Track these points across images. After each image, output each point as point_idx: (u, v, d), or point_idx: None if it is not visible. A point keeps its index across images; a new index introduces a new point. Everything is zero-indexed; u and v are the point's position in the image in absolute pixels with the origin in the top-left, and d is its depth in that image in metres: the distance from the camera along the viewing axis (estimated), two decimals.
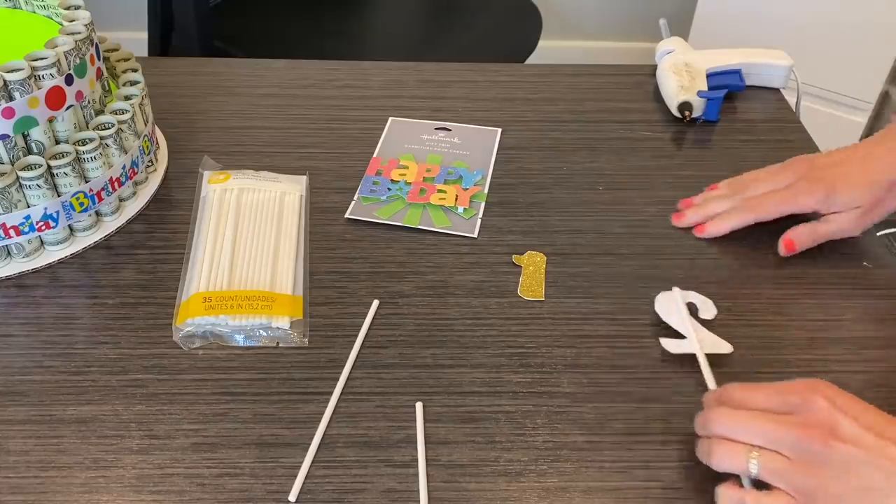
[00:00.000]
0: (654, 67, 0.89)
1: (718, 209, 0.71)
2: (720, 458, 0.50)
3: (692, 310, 0.63)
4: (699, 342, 0.60)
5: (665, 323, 0.62)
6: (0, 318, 0.62)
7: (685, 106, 0.83)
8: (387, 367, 0.59)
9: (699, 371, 0.59)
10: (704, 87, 0.84)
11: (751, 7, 1.74)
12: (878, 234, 0.72)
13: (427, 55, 1.33)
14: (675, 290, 0.64)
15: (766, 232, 0.71)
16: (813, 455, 0.48)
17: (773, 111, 0.87)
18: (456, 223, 0.71)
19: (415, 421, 0.56)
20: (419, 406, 0.56)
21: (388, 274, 0.67)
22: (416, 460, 0.53)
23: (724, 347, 0.60)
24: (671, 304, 0.63)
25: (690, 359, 0.60)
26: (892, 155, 0.67)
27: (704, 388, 0.58)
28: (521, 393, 0.58)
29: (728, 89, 0.85)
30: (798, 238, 0.69)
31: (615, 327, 0.63)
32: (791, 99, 0.88)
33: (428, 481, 0.52)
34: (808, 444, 0.48)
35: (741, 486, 0.50)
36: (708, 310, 0.63)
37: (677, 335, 0.61)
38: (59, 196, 0.65)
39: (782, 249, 0.69)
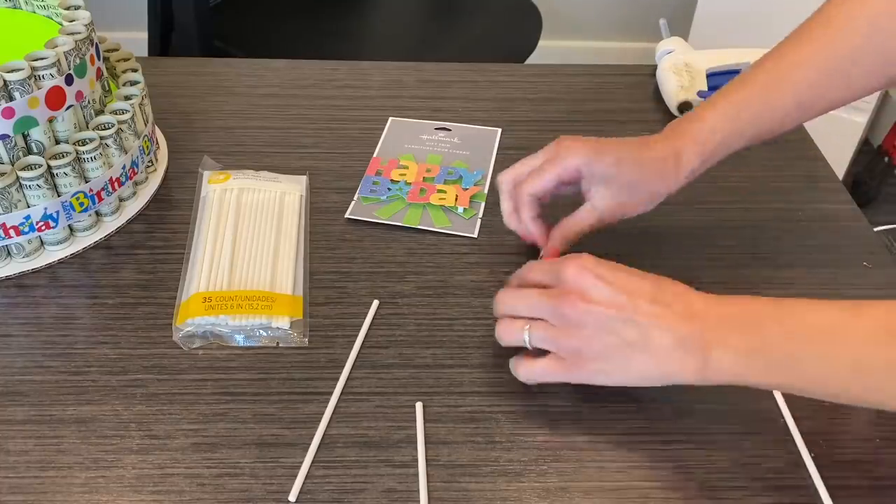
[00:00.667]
0: (654, 67, 0.89)
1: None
2: (501, 334, 0.56)
3: None
4: None
5: None
6: (0, 318, 0.62)
7: (685, 106, 0.83)
8: (387, 367, 0.59)
9: None
10: (704, 87, 0.84)
11: (751, 7, 1.74)
12: (875, 230, 0.72)
13: (427, 55, 1.33)
14: None
15: (766, 232, 0.71)
16: (569, 319, 0.52)
17: None
18: (456, 223, 0.71)
19: (415, 421, 0.56)
20: (419, 406, 0.56)
21: (388, 274, 0.67)
22: (416, 460, 0.53)
23: None
24: None
25: None
26: (658, 145, 0.63)
27: (703, 388, 0.58)
28: (521, 393, 0.58)
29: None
30: (552, 240, 0.65)
31: None
32: None
33: (428, 481, 0.52)
34: (562, 310, 0.52)
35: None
36: None
37: None
38: (59, 196, 0.65)
39: (544, 254, 0.65)
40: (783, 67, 0.63)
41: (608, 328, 0.51)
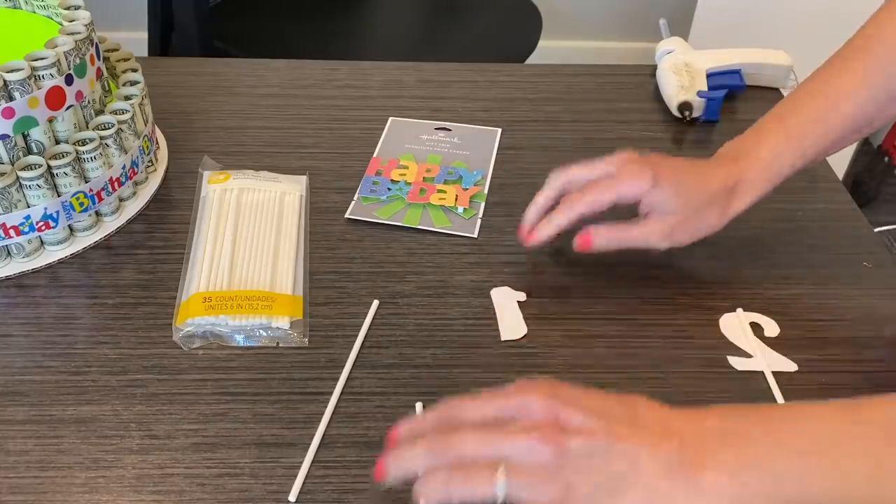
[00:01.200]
0: (654, 67, 0.89)
1: (551, 214, 0.65)
2: (464, 484, 0.44)
3: (756, 329, 0.63)
4: (766, 361, 0.60)
5: (731, 342, 0.62)
6: (0, 318, 0.62)
7: (685, 106, 0.83)
8: (387, 367, 0.59)
9: (698, 371, 0.59)
10: (704, 87, 0.84)
11: (751, 7, 1.74)
12: (875, 230, 0.72)
13: (427, 55, 1.33)
14: (739, 311, 0.64)
15: (766, 232, 0.71)
16: (550, 461, 0.44)
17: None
18: (456, 223, 0.71)
19: None
20: (419, 406, 0.56)
21: (388, 274, 0.67)
22: None
23: (789, 366, 0.60)
24: (735, 324, 0.63)
25: (688, 360, 0.60)
26: (720, 172, 0.63)
27: (704, 388, 0.58)
28: None
29: (728, 89, 0.85)
30: (597, 236, 0.63)
31: (615, 327, 0.63)
32: None
33: None
34: (542, 452, 0.44)
35: None
36: (771, 329, 0.63)
37: (744, 354, 0.61)
38: (59, 196, 0.65)
39: (576, 244, 0.64)
40: (834, 88, 0.63)
41: (594, 462, 0.44)
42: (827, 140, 0.63)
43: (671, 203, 0.62)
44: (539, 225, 0.65)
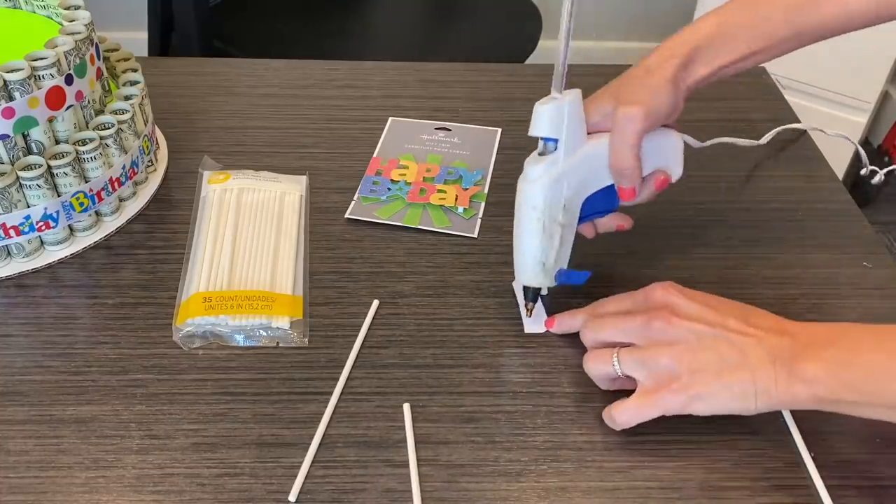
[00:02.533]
0: None
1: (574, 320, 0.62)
2: (591, 365, 0.55)
3: None
4: None
5: None
6: (0, 318, 0.62)
7: (533, 293, 0.73)
8: (387, 367, 0.59)
9: None
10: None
11: None
12: (868, 221, 0.72)
13: (427, 55, 1.33)
14: None
15: (766, 232, 0.71)
16: (660, 335, 0.52)
17: (772, 111, 0.87)
18: (456, 223, 0.71)
19: (415, 420, 0.56)
20: (406, 407, 0.56)
21: (388, 274, 0.67)
22: (417, 460, 0.53)
23: None
24: None
25: None
26: (662, 62, 0.60)
27: None
28: (521, 393, 0.58)
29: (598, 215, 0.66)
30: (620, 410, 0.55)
31: None
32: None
33: (422, 481, 0.52)
34: (651, 327, 0.52)
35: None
36: None
37: None
38: (59, 196, 0.65)
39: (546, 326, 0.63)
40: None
41: (702, 343, 0.50)
42: (758, 32, 0.59)
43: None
44: (563, 317, 0.61)
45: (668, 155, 0.63)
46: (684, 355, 0.51)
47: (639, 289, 0.57)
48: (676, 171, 0.64)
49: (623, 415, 0.53)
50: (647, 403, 0.52)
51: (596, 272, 0.67)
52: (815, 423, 0.56)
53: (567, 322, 0.61)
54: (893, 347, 0.48)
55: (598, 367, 0.55)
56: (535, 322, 0.63)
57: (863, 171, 0.82)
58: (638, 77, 0.60)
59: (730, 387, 0.50)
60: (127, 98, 0.70)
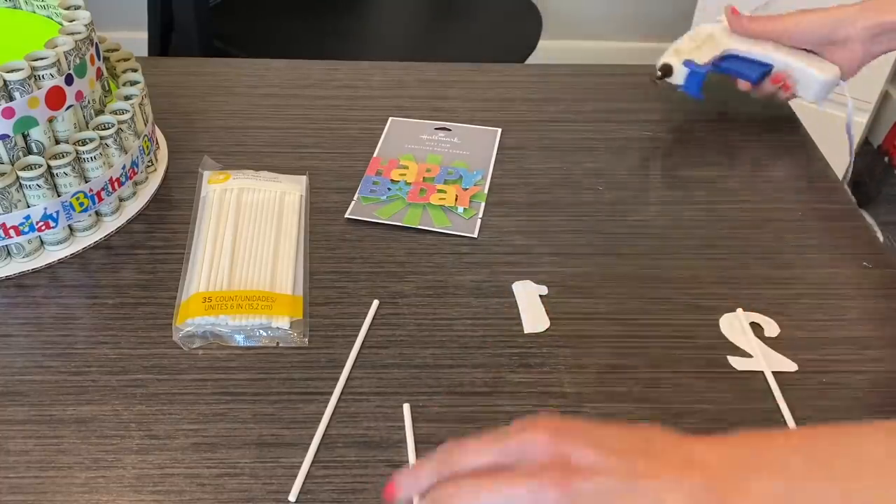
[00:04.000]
0: (654, 67, 0.89)
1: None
2: None
3: (756, 329, 0.63)
4: (766, 361, 0.60)
5: (731, 342, 0.62)
6: (0, 318, 0.62)
7: (664, 68, 0.80)
8: (387, 367, 0.59)
9: (698, 371, 0.59)
10: (699, 61, 0.79)
11: (750, 7, 1.74)
12: (865, 215, 0.72)
13: (427, 55, 1.33)
14: (739, 311, 0.64)
15: (766, 232, 0.71)
16: None
17: (773, 110, 0.87)
18: (456, 223, 0.71)
19: (415, 420, 0.56)
20: (406, 407, 0.56)
21: (388, 274, 0.67)
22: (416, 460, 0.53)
23: (789, 365, 0.60)
24: (735, 324, 0.63)
25: (688, 360, 0.60)
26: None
27: (704, 388, 0.58)
28: (521, 393, 0.58)
29: (732, 74, 0.80)
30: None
31: (615, 327, 0.63)
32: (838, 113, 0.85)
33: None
34: (545, 495, 0.39)
35: None
36: (771, 329, 0.63)
37: (744, 354, 0.61)
38: (59, 196, 0.65)
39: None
40: None
41: (612, 502, 0.39)
42: None
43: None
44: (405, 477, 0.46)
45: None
46: None
47: (499, 428, 0.43)
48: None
49: None
50: None
51: (593, 272, 0.67)
52: (815, 423, 0.56)
53: (412, 484, 0.44)
54: (822, 462, 0.40)
55: None
56: (535, 322, 0.63)
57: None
58: None
59: None
60: (127, 98, 0.70)
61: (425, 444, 0.54)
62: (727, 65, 0.81)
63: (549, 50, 1.61)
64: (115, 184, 0.68)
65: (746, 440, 0.41)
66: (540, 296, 0.64)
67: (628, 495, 0.39)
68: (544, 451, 0.40)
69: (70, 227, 0.67)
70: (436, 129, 0.82)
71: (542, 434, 0.41)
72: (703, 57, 0.81)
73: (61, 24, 0.67)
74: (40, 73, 0.62)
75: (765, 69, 0.80)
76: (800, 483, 0.39)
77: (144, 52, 1.31)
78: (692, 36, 0.83)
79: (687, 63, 0.80)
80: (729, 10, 0.81)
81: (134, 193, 0.72)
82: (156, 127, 0.78)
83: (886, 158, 1.82)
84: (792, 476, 0.39)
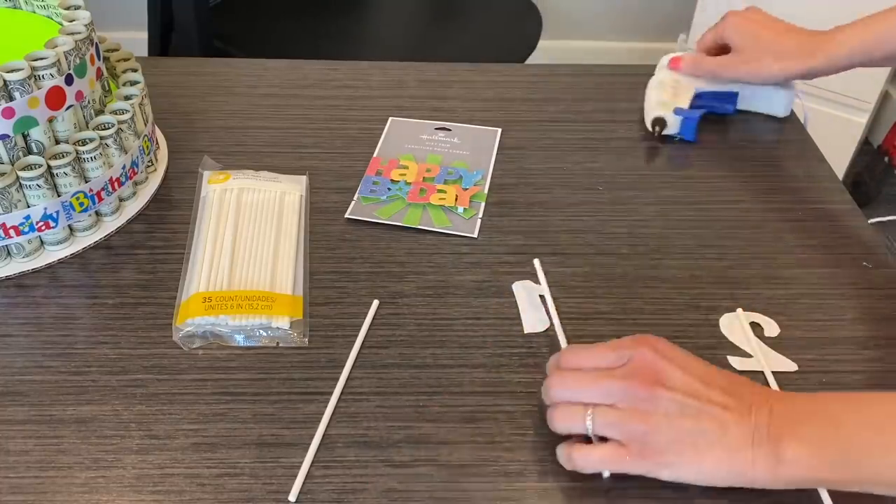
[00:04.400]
0: (654, 67, 0.89)
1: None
2: (559, 421, 0.52)
3: (756, 329, 0.63)
4: (765, 360, 0.60)
5: (731, 342, 0.62)
6: (0, 318, 0.62)
7: (657, 121, 0.80)
8: (387, 367, 0.59)
9: None
10: (685, 105, 0.81)
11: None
12: (868, 221, 0.72)
13: (427, 55, 1.33)
14: (739, 311, 0.64)
15: (766, 232, 0.71)
16: (640, 402, 0.49)
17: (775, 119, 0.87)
18: (456, 223, 0.71)
19: (415, 420, 0.56)
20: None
21: (388, 274, 0.67)
22: (417, 460, 0.53)
23: (789, 365, 0.60)
24: (735, 324, 0.63)
25: None
26: (797, 40, 0.81)
27: None
28: (521, 393, 0.58)
29: (711, 111, 0.82)
30: (684, 58, 0.82)
31: (615, 327, 0.63)
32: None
33: (422, 481, 0.52)
34: (634, 392, 0.49)
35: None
36: (771, 329, 0.63)
37: (744, 354, 0.61)
38: (59, 196, 0.65)
39: (670, 65, 0.84)
40: None
41: (684, 413, 0.48)
42: None
43: (744, 41, 0.81)
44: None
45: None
46: (662, 425, 0.49)
47: (622, 337, 0.53)
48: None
49: (584, 461, 0.51)
50: (613, 460, 0.50)
51: (594, 272, 0.67)
52: None
53: (553, 365, 0.55)
54: (872, 420, 0.47)
55: (568, 425, 0.51)
56: (535, 322, 0.63)
57: None
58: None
59: (700, 463, 0.48)
60: (127, 98, 0.70)
61: (425, 444, 0.54)
62: (701, 103, 0.83)
63: (549, 50, 1.61)
64: (115, 184, 0.68)
65: (806, 396, 0.50)
66: (540, 296, 0.64)
67: (700, 415, 0.48)
68: (645, 361, 0.50)
69: (70, 227, 0.67)
70: (436, 129, 0.82)
71: (648, 348, 0.50)
72: (684, 101, 0.82)
73: (61, 24, 0.67)
74: (40, 73, 0.62)
75: (733, 96, 0.84)
76: (840, 431, 0.47)
77: (144, 52, 1.31)
78: (660, 85, 0.83)
79: (678, 111, 0.80)
80: (684, 60, 0.84)
81: (134, 193, 0.72)
82: (156, 127, 0.78)
83: (886, 158, 1.82)
84: (835, 425, 0.47)
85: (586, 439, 0.52)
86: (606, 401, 0.50)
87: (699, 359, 0.51)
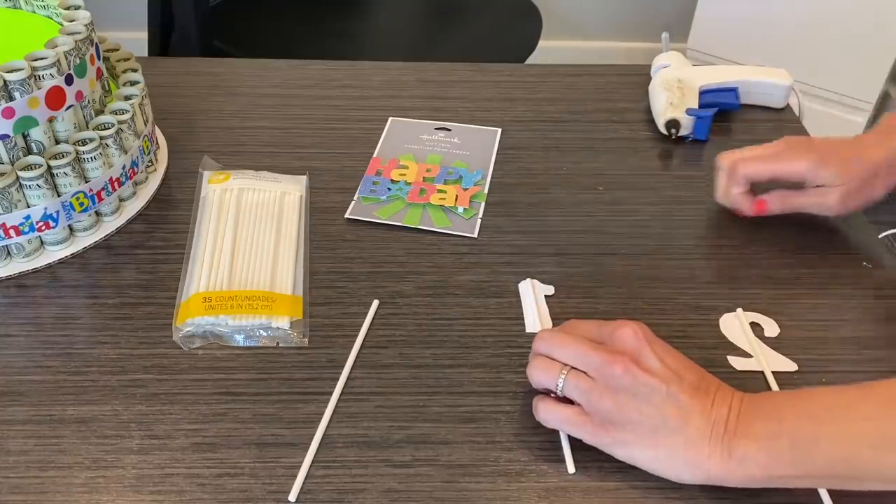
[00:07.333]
0: (651, 67, 0.89)
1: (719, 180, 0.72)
2: (536, 373, 0.54)
3: (756, 329, 0.63)
4: (765, 360, 0.60)
5: (731, 342, 0.62)
6: (0, 318, 0.62)
7: (672, 123, 0.81)
8: (387, 367, 0.59)
9: None
10: (695, 105, 0.82)
11: (750, 7, 1.74)
12: (879, 235, 0.72)
13: (427, 55, 1.33)
14: (739, 311, 0.64)
15: (765, 232, 0.71)
16: (613, 379, 0.50)
17: (773, 110, 0.87)
18: (456, 223, 0.71)
19: (415, 420, 0.56)
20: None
21: (388, 274, 0.67)
22: (417, 460, 0.53)
23: (789, 365, 0.60)
24: (735, 324, 0.63)
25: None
26: (882, 145, 0.67)
27: None
28: (521, 393, 0.58)
29: (719, 108, 0.83)
30: (770, 200, 0.70)
31: None
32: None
33: (421, 481, 0.52)
34: (609, 369, 0.51)
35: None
36: (771, 329, 0.63)
37: (744, 354, 0.61)
38: (59, 196, 0.65)
39: (752, 210, 0.70)
40: None
41: (650, 400, 0.50)
42: None
43: (839, 178, 0.66)
44: (727, 201, 0.71)
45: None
46: (627, 405, 0.50)
47: (612, 319, 0.55)
48: None
49: (547, 415, 0.54)
50: (573, 423, 0.53)
51: (595, 270, 0.67)
52: None
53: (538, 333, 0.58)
54: (811, 411, 0.48)
55: (541, 378, 0.54)
56: (535, 322, 0.63)
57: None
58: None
59: (656, 448, 0.50)
60: (127, 98, 0.70)
61: (425, 444, 0.54)
62: (706, 99, 0.84)
63: (549, 50, 1.61)
64: (115, 184, 0.68)
65: (767, 395, 0.52)
66: (546, 296, 0.64)
67: (667, 400, 0.50)
68: (626, 342, 0.52)
69: (70, 227, 0.67)
70: (436, 129, 0.82)
71: (630, 330, 0.52)
72: (692, 101, 0.82)
73: (61, 24, 0.67)
74: (40, 73, 0.62)
75: (734, 90, 0.85)
76: (784, 425, 0.48)
77: (144, 52, 1.31)
78: (666, 86, 0.83)
79: (690, 112, 0.81)
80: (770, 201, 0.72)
81: (134, 193, 0.72)
82: (156, 127, 0.78)
83: None
84: (779, 419, 0.49)
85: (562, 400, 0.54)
86: (581, 366, 0.52)
87: (677, 351, 0.53)
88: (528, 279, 0.66)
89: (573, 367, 0.52)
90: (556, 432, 0.55)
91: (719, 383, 0.52)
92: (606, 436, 0.51)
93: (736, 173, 0.69)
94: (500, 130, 0.82)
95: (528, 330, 0.62)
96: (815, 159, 0.66)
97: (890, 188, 0.67)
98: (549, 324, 0.63)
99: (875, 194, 0.67)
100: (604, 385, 0.51)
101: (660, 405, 0.50)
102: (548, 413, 0.53)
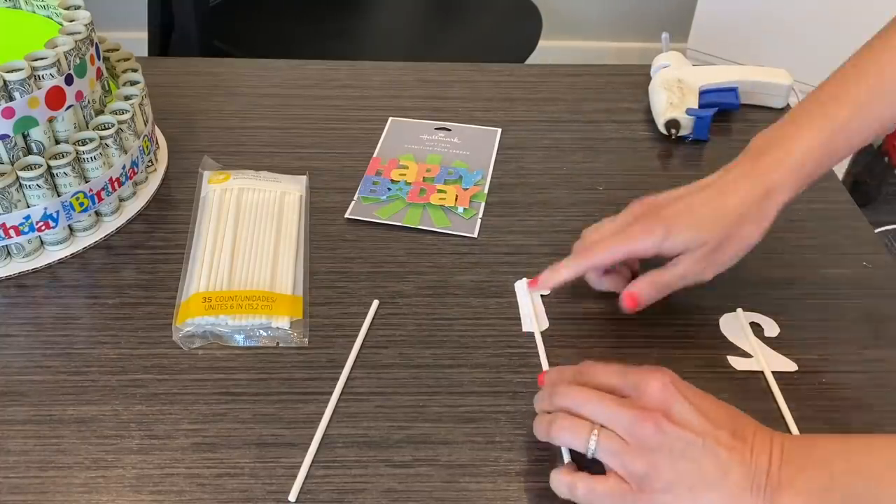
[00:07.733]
0: (650, 67, 0.89)
1: (557, 264, 0.62)
2: (562, 434, 0.50)
3: (756, 329, 0.63)
4: (765, 360, 0.60)
5: (731, 342, 0.62)
6: (0, 318, 0.62)
7: (672, 123, 0.80)
8: (387, 367, 0.59)
9: (698, 371, 0.59)
10: (695, 105, 0.81)
11: (750, 7, 1.74)
12: (876, 230, 0.72)
13: (427, 55, 1.33)
14: (739, 311, 0.64)
15: (766, 232, 0.71)
16: (646, 439, 0.47)
17: (773, 110, 0.87)
18: (456, 223, 0.71)
19: (415, 420, 0.56)
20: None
21: (388, 274, 0.67)
22: (417, 460, 0.53)
23: (789, 365, 0.60)
24: (735, 324, 0.63)
25: (688, 360, 0.60)
26: (747, 179, 0.59)
27: (704, 388, 0.58)
28: (521, 393, 0.58)
29: (719, 108, 0.82)
30: (641, 291, 0.60)
31: (614, 328, 0.63)
32: None
33: (421, 481, 0.52)
34: (641, 428, 0.48)
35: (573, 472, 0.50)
36: (771, 328, 0.63)
37: (744, 354, 0.61)
38: (59, 196, 0.65)
39: (626, 306, 0.61)
40: (885, 77, 0.60)
41: (686, 454, 0.47)
42: (864, 134, 0.59)
43: (695, 240, 0.59)
44: (544, 273, 0.62)
45: None
46: (662, 464, 0.47)
47: (635, 365, 0.51)
48: None
49: (588, 495, 0.49)
50: (617, 497, 0.48)
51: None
52: (815, 424, 0.56)
53: (555, 378, 0.54)
54: (867, 469, 0.46)
55: (569, 440, 0.50)
56: (534, 322, 0.63)
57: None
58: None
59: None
60: (127, 98, 0.70)
61: (425, 444, 0.54)
62: (706, 99, 0.83)
63: (549, 50, 1.61)
64: (115, 184, 0.68)
65: (807, 440, 0.50)
66: (542, 296, 0.64)
67: (704, 453, 0.47)
68: (654, 394, 0.48)
69: (70, 227, 0.67)
70: (436, 129, 0.82)
71: (658, 381, 0.49)
72: (692, 101, 0.82)
73: (61, 24, 0.67)
74: (40, 73, 0.62)
75: (734, 90, 0.85)
76: (835, 479, 0.45)
77: (144, 52, 1.31)
78: (666, 86, 0.83)
79: (690, 112, 0.81)
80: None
81: (134, 193, 0.72)
82: (156, 127, 0.78)
83: (886, 158, 1.82)
84: (830, 472, 0.46)
85: (574, 454, 0.51)
86: (610, 424, 0.49)
87: (708, 395, 0.50)
88: (525, 279, 0.66)
89: (602, 426, 0.49)
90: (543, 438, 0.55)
91: (756, 425, 0.49)
92: (646, 498, 0.48)
93: (585, 260, 0.62)
94: (499, 130, 0.82)
95: (524, 329, 0.62)
96: (661, 233, 0.59)
97: (764, 228, 0.59)
98: (545, 321, 0.63)
99: (751, 239, 0.59)
100: (637, 446, 0.48)
101: (697, 459, 0.47)
102: (588, 493, 0.49)
